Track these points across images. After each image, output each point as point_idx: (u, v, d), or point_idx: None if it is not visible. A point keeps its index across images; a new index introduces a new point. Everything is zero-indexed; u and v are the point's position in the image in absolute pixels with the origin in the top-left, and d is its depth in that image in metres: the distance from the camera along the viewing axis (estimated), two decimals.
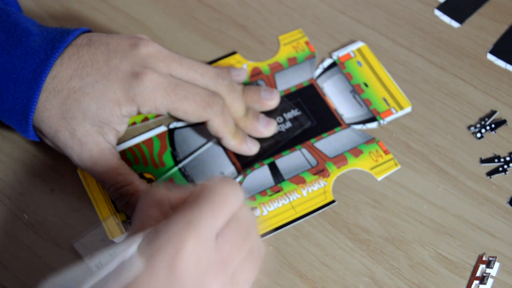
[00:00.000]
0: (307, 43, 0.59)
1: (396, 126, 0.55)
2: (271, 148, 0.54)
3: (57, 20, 0.60)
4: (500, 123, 0.55)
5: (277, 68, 0.58)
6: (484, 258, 0.49)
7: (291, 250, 0.50)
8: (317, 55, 0.59)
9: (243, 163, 0.53)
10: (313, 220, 0.51)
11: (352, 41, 0.59)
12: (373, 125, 0.55)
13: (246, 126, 0.53)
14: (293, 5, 0.62)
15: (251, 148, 0.53)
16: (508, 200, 0.52)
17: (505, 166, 0.53)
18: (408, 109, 0.55)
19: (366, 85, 0.57)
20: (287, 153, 0.54)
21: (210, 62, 0.58)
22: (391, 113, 0.55)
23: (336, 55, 0.58)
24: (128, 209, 0.49)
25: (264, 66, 0.58)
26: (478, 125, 0.55)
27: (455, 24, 0.61)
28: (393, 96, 0.56)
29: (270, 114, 0.55)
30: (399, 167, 0.53)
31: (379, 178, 0.52)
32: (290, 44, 0.59)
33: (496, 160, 0.53)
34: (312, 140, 0.54)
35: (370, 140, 0.54)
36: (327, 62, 0.58)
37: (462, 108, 0.56)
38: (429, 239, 0.50)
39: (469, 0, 0.62)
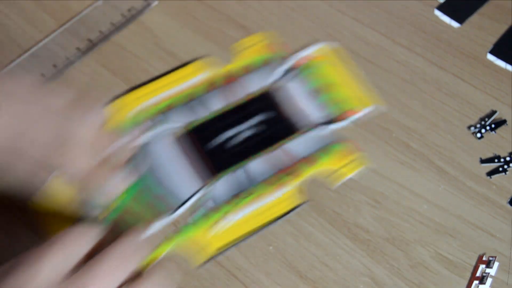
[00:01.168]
0: (268, 46, 0.58)
1: (396, 126, 0.55)
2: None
3: (58, 21, 0.60)
4: (500, 123, 0.55)
5: (235, 76, 0.57)
6: (484, 258, 0.49)
7: (291, 250, 0.50)
8: (277, 58, 0.58)
9: (217, 167, 0.53)
10: (313, 220, 0.51)
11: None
12: (338, 125, 0.55)
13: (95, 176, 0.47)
14: (293, 5, 0.62)
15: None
16: (508, 200, 0.52)
17: (505, 166, 0.53)
18: (371, 108, 0.55)
19: (329, 85, 0.57)
20: (259, 155, 0.53)
21: (183, 64, 0.58)
22: (355, 112, 0.55)
23: (297, 57, 0.58)
24: None
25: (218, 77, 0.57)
26: (478, 125, 0.55)
27: (455, 24, 0.61)
28: (357, 96, 0.56)
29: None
30: (365, 166, 0.53)
31: (348, 177, 0.52)
32: (251, 48, 0.58)
33: (496, 160, 0.53)
34: (282, 141, 0.54)
35: (338, 140, 0.54)
36: (289, 64, 0.57)
37: (462, 108, 0.56)
38: (429, 239, 0.50)
39: (469, 0, 0.62)
